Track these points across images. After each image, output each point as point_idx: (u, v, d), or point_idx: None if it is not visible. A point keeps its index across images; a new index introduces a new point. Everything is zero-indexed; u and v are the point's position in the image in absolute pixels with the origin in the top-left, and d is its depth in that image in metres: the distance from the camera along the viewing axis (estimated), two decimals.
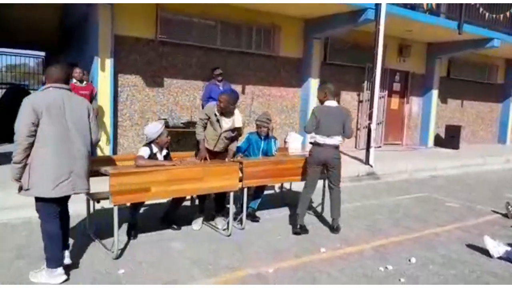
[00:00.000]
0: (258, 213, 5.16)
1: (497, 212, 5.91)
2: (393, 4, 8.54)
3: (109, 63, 6.94)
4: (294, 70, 9.61)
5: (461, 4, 9.63)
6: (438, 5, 9.58)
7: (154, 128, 4.23)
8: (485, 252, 4.15)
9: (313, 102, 9.61)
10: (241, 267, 3.68)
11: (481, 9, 10.15)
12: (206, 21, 8.28)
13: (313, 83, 9.55)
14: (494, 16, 10.40)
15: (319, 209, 5.49)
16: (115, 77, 7.16)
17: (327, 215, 5.30)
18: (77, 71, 6.51)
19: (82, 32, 7.98)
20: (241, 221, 4.71)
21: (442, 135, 12.66)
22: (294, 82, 9.65)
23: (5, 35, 12.11)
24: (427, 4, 9.22)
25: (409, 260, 3.97)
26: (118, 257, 3.72)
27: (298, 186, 6.37)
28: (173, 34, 7.86)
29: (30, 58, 17.61)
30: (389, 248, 4.32)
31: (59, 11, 9.11)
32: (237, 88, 8.62)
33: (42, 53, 16.93)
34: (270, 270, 3.63)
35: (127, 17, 7.27)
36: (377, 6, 7.96)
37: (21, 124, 2.98)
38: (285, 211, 5.47)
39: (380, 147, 10.94)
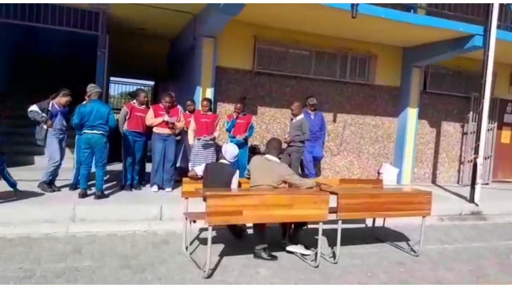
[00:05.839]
0: (352, 251, 4.98)
1: None
2: (505, 29, 7.86)
3: (210, 92, 7.46)
4: (391, 99, 9.28)
5: None
6: None
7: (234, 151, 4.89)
8: None
9: (411, 131, 9.16)
10: None
11: None
12: (300, 52, 8.50)
13: (411, 113, 9.11)
14: None
15: (416, 248, 5.11)
16: (214, 105, 7.65)
17: (424, 255, 4.93)
18: (239, 105, 6.95)
19: (187, 63, 8.73)
20: (334, 255, 4.60)
21: None
22: (391, 111, 9.31)
23: (122, 66, 13.73)
24: None
25: None
26: (209, 276, 3.88)
27: (391, 222, 6.01)
28: (269, 65, 8.20)
29: (141, 87, 19.67)
30: None
31: (168, 43, 10.13)
32: (329, 116, 8.60)
33: (152, 82, 18.82)
34: None
35: (228, 50, 7.78)
36: (486, 32, 7.37)
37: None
38: (375, 248, 5.18)
39: (487, 184, 9.89)
